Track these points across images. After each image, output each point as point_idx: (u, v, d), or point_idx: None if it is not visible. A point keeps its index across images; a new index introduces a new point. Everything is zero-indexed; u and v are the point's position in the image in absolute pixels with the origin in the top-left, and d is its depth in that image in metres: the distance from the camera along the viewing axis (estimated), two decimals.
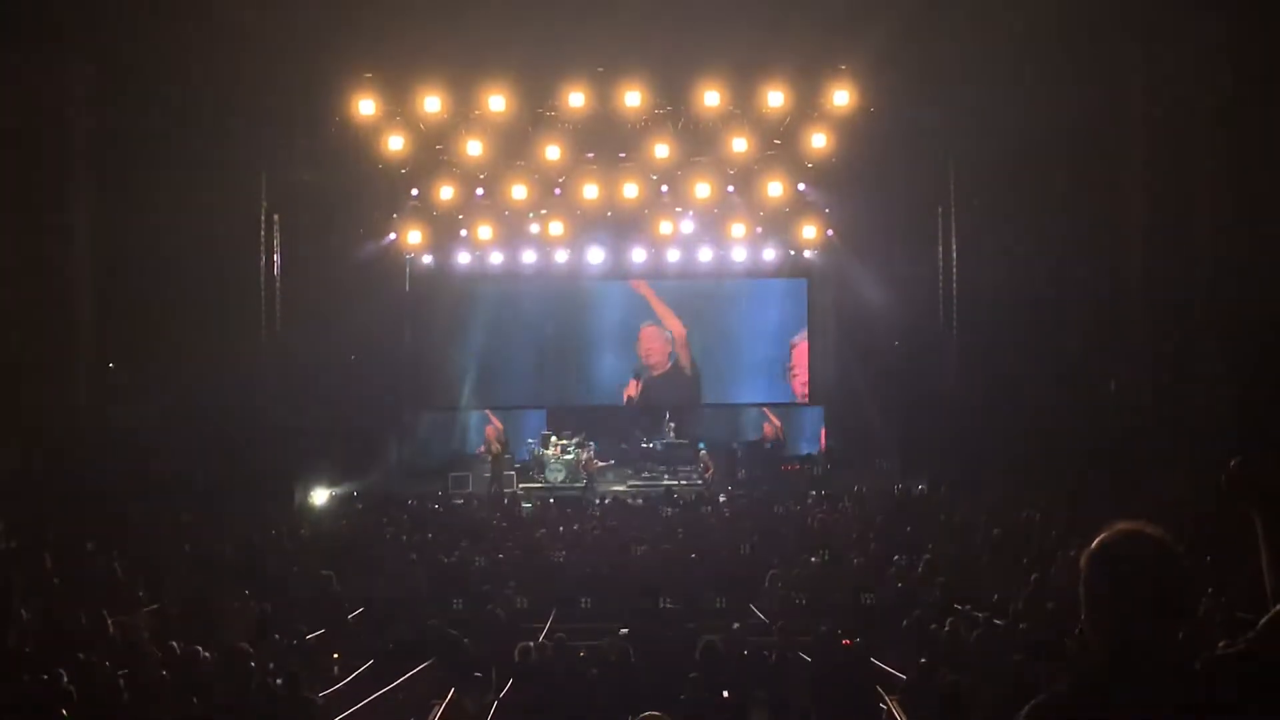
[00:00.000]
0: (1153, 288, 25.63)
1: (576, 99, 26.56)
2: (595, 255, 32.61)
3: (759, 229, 32.22)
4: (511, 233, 32.14)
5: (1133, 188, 26.22)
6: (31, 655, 11.75)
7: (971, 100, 25.66)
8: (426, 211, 31.20)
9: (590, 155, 29.23)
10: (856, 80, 26.43)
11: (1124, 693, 3.19)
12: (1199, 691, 3.20)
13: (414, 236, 31.66)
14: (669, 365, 34.76)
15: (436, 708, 12.07)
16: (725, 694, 12.90)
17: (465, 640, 14.88)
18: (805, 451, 33.37)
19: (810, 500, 26.12)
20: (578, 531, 22.24)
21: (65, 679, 10.77)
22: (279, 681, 11.50)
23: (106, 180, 25.81)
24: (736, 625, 15.66)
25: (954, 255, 29.59)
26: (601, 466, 31.66)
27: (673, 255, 33.05)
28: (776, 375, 34.62)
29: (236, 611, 15.49)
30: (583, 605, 18.05)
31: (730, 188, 30.23)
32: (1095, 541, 3.33)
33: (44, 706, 9.87)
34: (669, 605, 16.93)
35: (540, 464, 32.07)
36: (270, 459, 27.09)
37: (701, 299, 34.87)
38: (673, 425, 32.80)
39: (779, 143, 28.68)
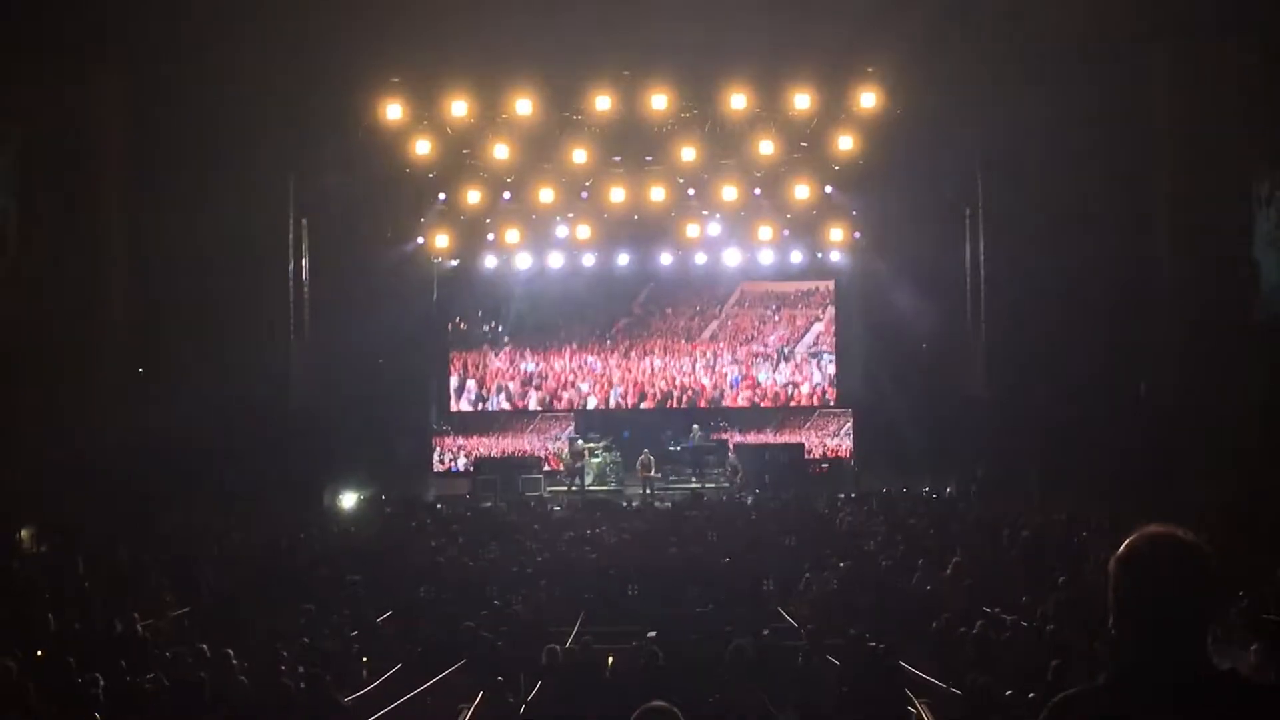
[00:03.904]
0: (1181, 288, 25.51)
1: (603, 102, 26.57)
2: (622, 258, 32.63)
3: (786, 231, 32.17)
4: (538, 236, 32.19)
5: (1161, 188, 26.10)
6: (65, 659, 11.82)
7: (998, 101, 25.59)
8: (454, 215, 31.31)
9: (617, 158, 29.25)
10: (883, 82, 26.40)
11: (1152, 694, 3.20)
12: (1222, 699, 3.20)
13: (441, 240, 31.78)
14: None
15: (465, 710, 12.09)
16: (754, 698, 12.88)
17: (499, 643, 14.92)
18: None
19: (839, 503, 26.07)
20: (606, 533, 22.27)
21: (101, 682, 10.85)
22: (302, 685, 11.56)
23: (138, 185, 25.95)
24: (766, 632, 15.65)
25: (981, 257, 29.48)
26: (655, 476, 31.27)
27: (699, 258, 33.02)
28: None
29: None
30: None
31: (757, 190, 30.26)
32: (1124, 545, 3.33)
33: (78, 709, 9.94)
34: (698, 608, 16.93)
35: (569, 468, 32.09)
36: (299, 462, 27.19)
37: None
38: (698, 430, 32.68)
39: (806, 145, 28.65)
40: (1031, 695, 10.02)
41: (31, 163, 23.66)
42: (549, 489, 30.85)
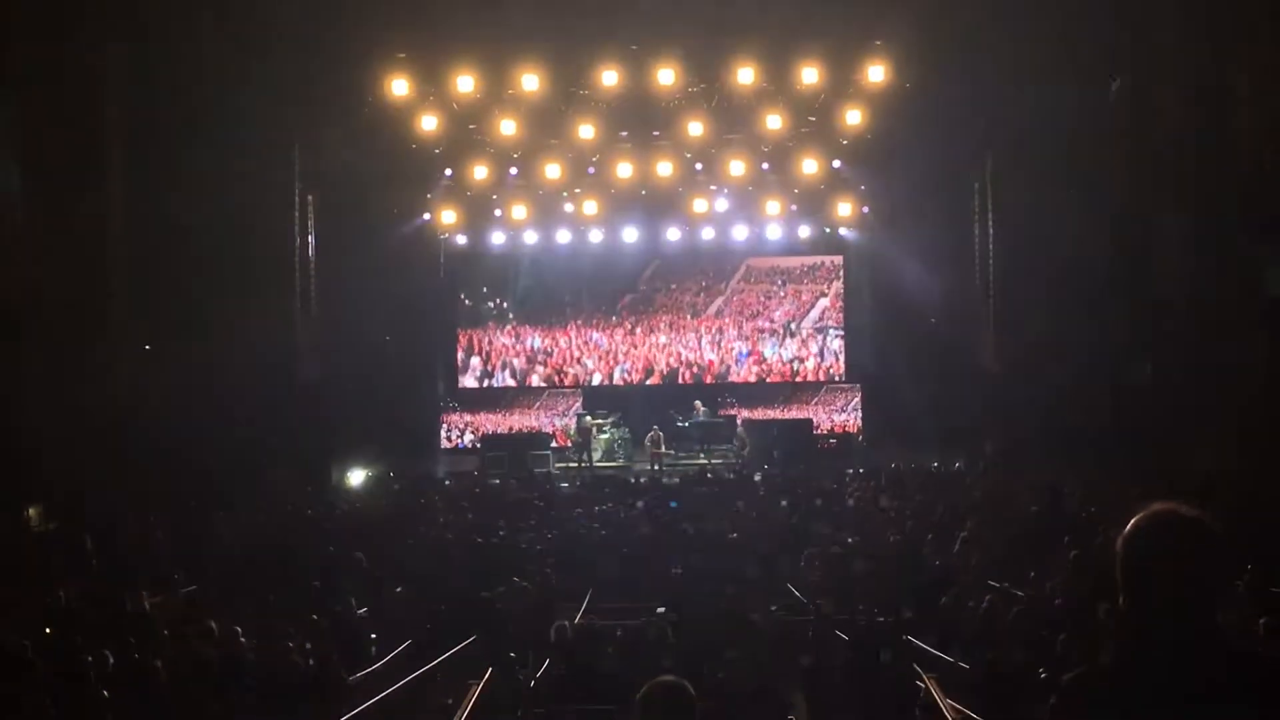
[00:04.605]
0: (1191, 263, 25.41)
1: (610, 77, 26.52)
2: (630, 234, 32.58)
3: (794, 206, 32.17)
4: (545, 212, 32.17)
5: (1169, 162, 25.97)
6: (73, 636, 11.85)
7: (1007, 75, 25.50)
8: (460, 191, 31.32)
9: (624, 134, 29.25)
10: (891, 56, 26.32)
11: (1161, 670, 3.20)
12: (1235, 672, 3.20)
13: (448, 216, 31.82)
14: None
15: (474, 687, 12.10)
16: (763, 673, 12.90)
17: (507, 620, 14.96)
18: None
19: (847, 478, 26.07)
20: (613, 509, 22.28)
21: (110, 659, 10.88)
22: (310, 663, 11.59)
23: (141, 161, 25.84)
24: (775, 608, 15.66)
25: (990, 231, 29.45)
26: (667, 453, 31.24)
27: (707, 233, 32.96)
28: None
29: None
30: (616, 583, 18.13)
31: (765, 165, 30.24)
32: (1130, 523, 3.33)
33: (86, 686, 9.97)
34: (707, 584, 16.94)
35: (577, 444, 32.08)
36: (306, 439, 27.23)
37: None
38: (703, 408, 32.53)
39: (814, 120, 28.61)
40: (1042, 672, 10.00)
41: (32, 136, 23.58)
42: (557, 465, 30.86)
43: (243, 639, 12.36)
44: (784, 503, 22.37)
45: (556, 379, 34.68)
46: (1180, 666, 3.19)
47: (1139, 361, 26.43)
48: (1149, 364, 26.32)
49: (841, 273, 34.56)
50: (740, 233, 32.87)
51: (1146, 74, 25.96)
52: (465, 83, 26.62)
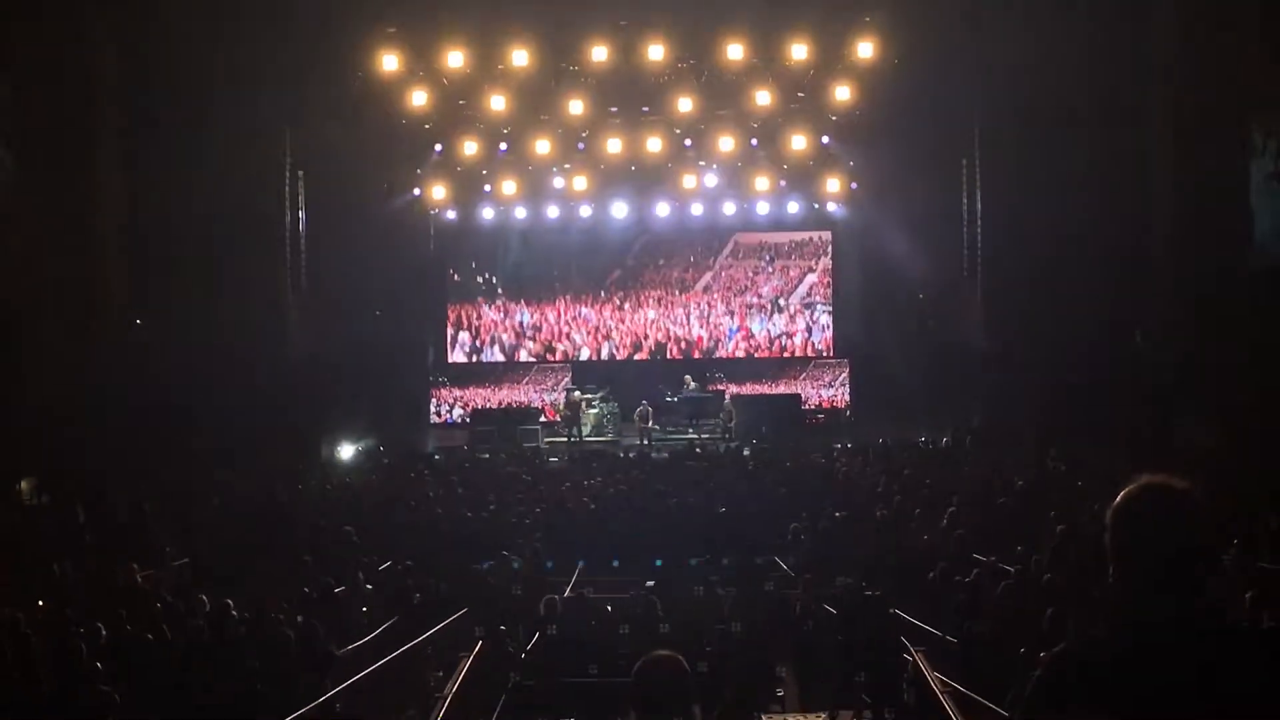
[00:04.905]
0: (1177, 238, 25.46)
1: (599, 53, 26.48)
2: (619, 209, 32.57)
3: (783, 182, 32.14)
4: (535, 188, 32.15)
5: (1158, 138, 26.01)
6: (66, 609, 11.89)
7: (996, 50, 25.49)
8: (450, 167, 31.26)
9: (613, 109, 29.19)
10: (880, 32, 26.30)
11: (1150, 642, 3.22)
12: (1224, 647, 3.23)
13: (438, 192, 31.77)
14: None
15: (464, 659, 12.17)
16: (752, 645, 12.99)
17: (497, 593, 15.02)
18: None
19: (835, 453, 26.13)
20: (603, 484, 22.31)
21: (102, 632, 10.92)
22: (300, 636, 11.63)
23: (134, 138, 25.81)
24: (769, 586, 15.72)
25: (978, 206, 29.44)
26: (655, 428, 31.22)
27: (696, 209, 32.95)
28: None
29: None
30: (612, 564, 18.15)
31: (754, 141, 30.19)
32: (1120, 496, 3.34)
33: (79, 659, 10.00)
34: (695, 559, 17.01)
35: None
36: (297, 414, 27.20)
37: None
38: (693, 383, 32.52)
39: (802, 95, 28.59)
40: (1039, 654, 10.06)
41: (25, 115, 23.51)
42: (546, 440, 30.90)
43: (233, 611, 12.40)
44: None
45: (546, 354, 34.72)
46: (1169, 638, 3.21)
47: (1128, 334, 26.48)
48: (1138, 333, 26.37)
49: (830, 248, 34.61)
50: (729, 208, 32.89)
51: (1136, 46, 25.97)
52: (455, 58, 26.58)
